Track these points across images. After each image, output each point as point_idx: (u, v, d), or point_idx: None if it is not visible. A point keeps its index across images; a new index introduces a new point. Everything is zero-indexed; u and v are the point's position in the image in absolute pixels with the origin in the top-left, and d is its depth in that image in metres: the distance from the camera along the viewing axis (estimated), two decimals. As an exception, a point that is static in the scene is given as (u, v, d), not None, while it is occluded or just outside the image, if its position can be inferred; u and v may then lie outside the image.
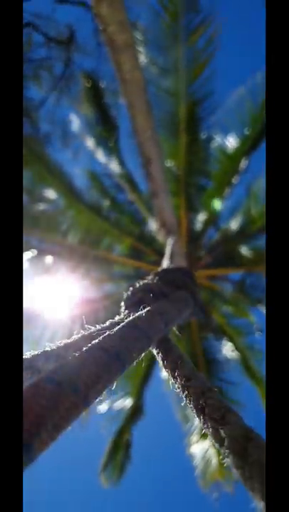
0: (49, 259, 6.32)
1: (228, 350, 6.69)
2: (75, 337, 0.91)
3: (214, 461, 6.25)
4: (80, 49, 7.90)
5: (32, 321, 6.16)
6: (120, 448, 6.49)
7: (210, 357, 6.68)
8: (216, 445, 0.66)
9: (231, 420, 0.68)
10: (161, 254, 4.89)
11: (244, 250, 6.57)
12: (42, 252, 6.24)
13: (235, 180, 6.35)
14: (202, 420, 0.73)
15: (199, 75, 5.65)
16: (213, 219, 6.62)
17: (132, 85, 4.18)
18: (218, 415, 0.70)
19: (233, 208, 6.67)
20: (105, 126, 6.55)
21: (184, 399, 0.82)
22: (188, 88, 5.72)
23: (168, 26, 5.42)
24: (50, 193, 6.33)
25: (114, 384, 0.70)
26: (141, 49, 5.60)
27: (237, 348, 6.60)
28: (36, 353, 0.77)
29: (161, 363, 1.01)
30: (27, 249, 6.12)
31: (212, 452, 6.28)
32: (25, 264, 6.20)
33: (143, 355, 0.88)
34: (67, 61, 7.88)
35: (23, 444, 0.47)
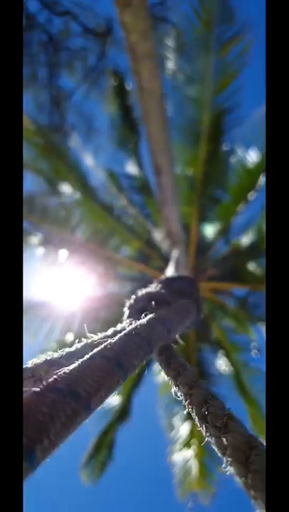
0: (56, 253, 6.38)
1: (222, 364, 6.67)
2: (77, 345, 0.92)
3: (194, 471, 6.27)
4: (115, 44, 7.86)
5: (32, 312, 6.25)
6: (104, 447, 6.57)
7: (204, 369, 6.67)
8: (219, 453, 0.66)
9: (234, 428, 0.68)
10: (168, 261, 4.89)
11: (252, 267, 6.50)
12: (49, 245, 6.29)
13: (251, 196, 6.26)
14: (204, 428, 0.73)
15: (226, 87, 5.56)
16: (225, 232, 6.56)
17: (150, 95, 4.16)
18: (220, 423, 0.70)
19: (246, 224, 6.59)
20: (127, 127, 6.53)
21: (187, 407, 0.82)
22: (213, 99, 5.64)
23: (200, 35, 5.33)
24: (65, 188, 6.36)
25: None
26: (170, 55, 5.55)
27: (232, 363, 6.57)
28: (38, 361, 0.78)
29: (163, 370, 1.01)
30: (34, 241, 6.20)
31: (193, 463, 6.31)
32: (33, 256, 6.29)
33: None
34: (101, 54, 7.85)
35: (25, 451, 0.47)
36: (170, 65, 5.57)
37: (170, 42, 5.65)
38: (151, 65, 3.97)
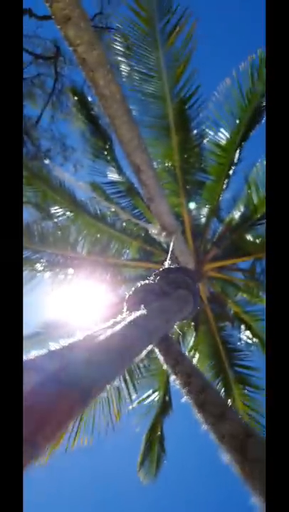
0: (63, 272, 6.55)
1: (246, 337, 6.81)
2: (78, 337, 0.96)
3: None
4: (67, 62, 8.06)
5: (54, 332, 6.41)
6: (154, 443, 6.70)
7: (231, 347, 6.81)
8: (217, 441, 0.67)
9: (231, 417, 0.72)
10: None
11: (250, 238, 6.65)
12: (55, 267, 6.46)
13: (232, 171, 6.43)
14: (202, 416, 0.76)
15: (181, 75, 5.72)
16: (216, 212, 6.72)
17: (110, 100, 4.30)
18: (217, 412, 0.73)
19: (234, 198, 6.77)
20: (98, 137, 6.70)
21: (185, 395, 0.86)
22: (172, 89, 5.80)
23: (144, 32, 5.49)
24: (56, 209, 6.54)
25: (118, 379, 0.78)
26: (121, 58, 5.71)
27: (255, 334, 6.71)
28: (41, 353, 0.80)
29: (162, 359, 1.07)
30: (40, 265, 6.38)
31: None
32: (41, 279, 6.47)
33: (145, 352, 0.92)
34: (56, 76, 8.05)
35: (28, 440, 0.48)
36: (124, 68, 5.73)
37: (118, 46, 5.80)
38: (105, 72, 4.11)
